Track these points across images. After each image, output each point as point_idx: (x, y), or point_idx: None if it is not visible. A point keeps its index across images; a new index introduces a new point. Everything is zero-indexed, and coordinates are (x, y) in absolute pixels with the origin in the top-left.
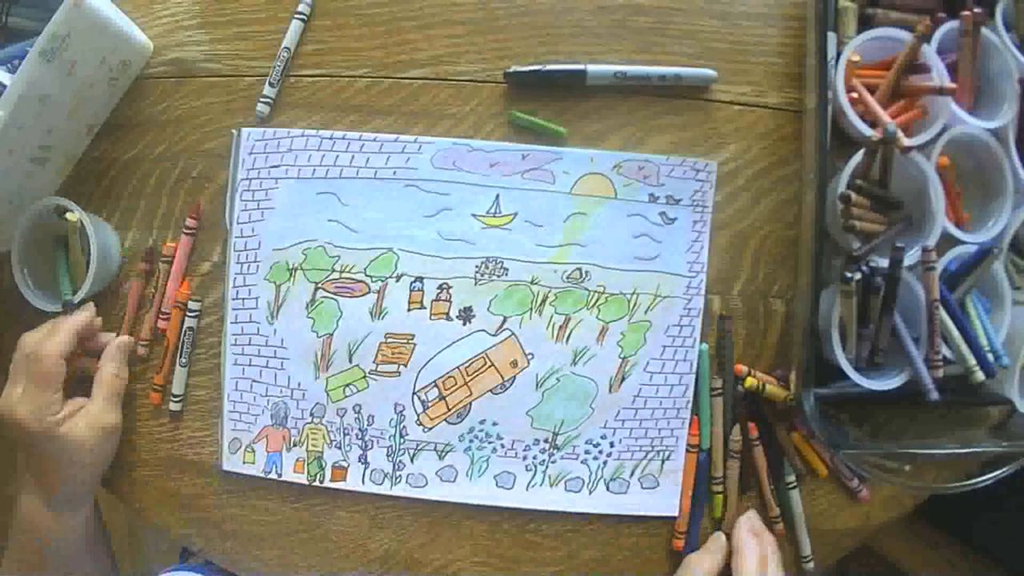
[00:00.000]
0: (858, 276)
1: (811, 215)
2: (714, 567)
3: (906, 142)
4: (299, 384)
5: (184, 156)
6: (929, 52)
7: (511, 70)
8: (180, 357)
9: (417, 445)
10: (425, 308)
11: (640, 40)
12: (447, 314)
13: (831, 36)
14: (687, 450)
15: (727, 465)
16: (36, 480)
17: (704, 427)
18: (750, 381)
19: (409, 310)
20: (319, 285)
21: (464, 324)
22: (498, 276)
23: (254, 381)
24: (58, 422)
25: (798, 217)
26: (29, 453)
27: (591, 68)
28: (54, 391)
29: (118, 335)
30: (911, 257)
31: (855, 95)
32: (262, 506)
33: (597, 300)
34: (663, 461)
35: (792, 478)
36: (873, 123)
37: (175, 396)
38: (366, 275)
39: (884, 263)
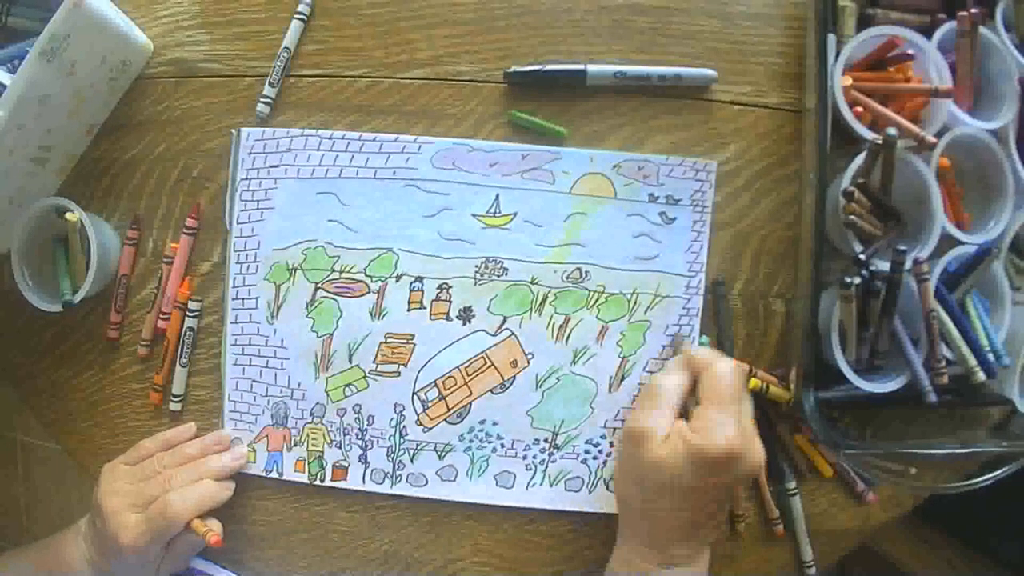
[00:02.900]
0: (858, 280)
1: (811, 215)
2: (682, 384)
3: (929, 138)
4: (299, 384)
5: (184, 156)
6: (932, 54)
7: (511, 70)
8: (180, 357)
9: (417, 445)
10: (425, 308)
11: (640, 40)
12: (447, 314)
13: (831, 36)
14: None
15: None
16: (97, 552)
17: None
18: (754, 382)
19: (409, 310)
20: (319, 285)
21: (464, 324)
22: (498, 276)
23: (254, 381)
24: (150, 562)
25: (798, 217)
26: (104, 541)
27: (591, 68)
28: (163, 544)
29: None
30: (911, 259)
31: (859, 108)
32: (262, 506)
33: (597, 300)
34: None
35: (793, 485)
36: (873, 124)
37: (175, 396)
38: (366, 275)
39: (885, 266)
